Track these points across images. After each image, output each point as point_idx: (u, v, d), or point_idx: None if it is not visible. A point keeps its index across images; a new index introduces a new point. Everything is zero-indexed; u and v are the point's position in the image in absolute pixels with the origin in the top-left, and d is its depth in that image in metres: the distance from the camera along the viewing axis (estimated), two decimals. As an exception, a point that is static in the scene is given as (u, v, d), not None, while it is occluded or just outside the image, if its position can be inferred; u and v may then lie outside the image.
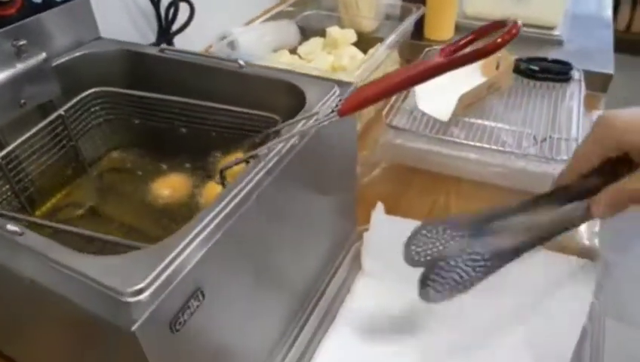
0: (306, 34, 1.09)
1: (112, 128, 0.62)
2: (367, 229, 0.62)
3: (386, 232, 0.60)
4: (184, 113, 0.57)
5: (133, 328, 0.29)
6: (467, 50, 0.36)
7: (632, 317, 1.36)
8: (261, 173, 0.40)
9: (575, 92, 0.87)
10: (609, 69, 0.98)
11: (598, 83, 0.96)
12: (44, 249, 0.34)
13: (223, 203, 0.37)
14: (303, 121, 0.43)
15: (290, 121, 0.44)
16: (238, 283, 0.40)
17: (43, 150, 0.57)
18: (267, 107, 0.53)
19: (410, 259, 0.50)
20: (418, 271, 0.52)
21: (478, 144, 0.75)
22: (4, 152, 0.54)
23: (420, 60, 0.39)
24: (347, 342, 0.55)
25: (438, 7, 1.06)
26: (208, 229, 0.35)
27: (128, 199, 0.58)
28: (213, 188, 0.53)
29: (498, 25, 0.37)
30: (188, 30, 0.89)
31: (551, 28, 1.09)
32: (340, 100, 0.39)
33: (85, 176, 0.62)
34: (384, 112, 0.81)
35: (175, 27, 0.89)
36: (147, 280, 0.31)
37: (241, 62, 0.54)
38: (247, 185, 0.38)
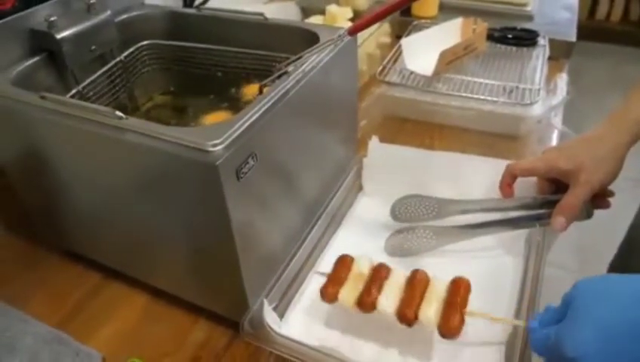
0: (307, 13, 1.24)
1: (159, 74, 0.76)
2: (366, 155, 0.76)
3: (382, 157, 0.75)
4: (219, 60, 0.72)
5: (217, 163, 0.44)
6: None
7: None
8: (290, 84, 0.54)
9: (540, 54, 1.02)
10: (571, 37, 1.13)
11: (562, 49, 1.12)
12: (146, 125, 0.48)
13: (266, 99, 0.51)
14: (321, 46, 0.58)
15: (310, 48, 0.58)
16: (275, 166, 0.55)
17: (105, 90, 0.71)
18: (288, 50, 0.67)
19: (394, 216, 0.69)
20: (407, 189, 0.69)
21: (457, 93, 0.90)
22: (78, 88, 0.68)
23: None
24: (350, 239, 0.70)
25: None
26: (258, 114, 0.49)
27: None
28: (252, 88, 0.67)
29: None
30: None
31: (523, 5, 1.24)
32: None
33: (138, 113, 0.76)
34: (377, 72, 0.96)
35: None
36: (220, 139, 0.45)
37: (266, 15, 0.68)
38: (280, 91, 0.53)
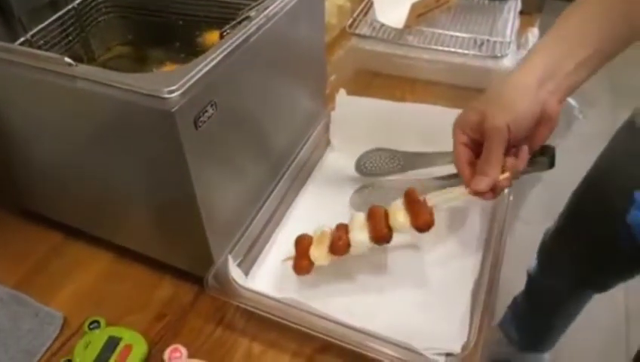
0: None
1: (117, 23, 0.72)
2: (333, 109, 0.75)
3: (350, 111, 0.73)
4: (179, 7, 0.68)
5: (173, 110, 0.41)
6: None
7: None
8: (251, 30, 0.52)
9: (512, 8, 1.01)
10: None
11: (534, 3, 1.10)
12: (98, 72, 0.45)
13: (226, 44, 0.49)
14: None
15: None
16: (237, 117, 0.53)
17: (58, 39, 0.67)
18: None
19: (360, 170, 0.68)
20: (375, 143, 0.68)
21: (428, 46, 0.88)
22: (27, 36, 0.64)
23: None
24: (316, 195, 0.69)
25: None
26: (216, 60, 0.47)
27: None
28: (214, 35, 0.64)
29: None
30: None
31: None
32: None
33: (95, 64, 0.72)
34: (347, 24, 0.94)
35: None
36: (177, 85, 0.43)
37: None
38: (241, 37, 0.50)
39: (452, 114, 0.71)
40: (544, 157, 0.61)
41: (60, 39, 0.67)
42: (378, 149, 0.68)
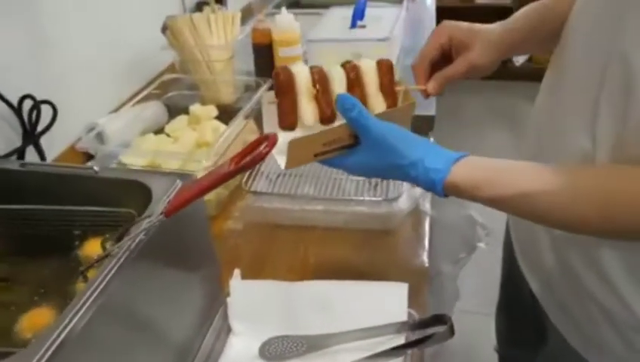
0: (172, 112, 1.19)
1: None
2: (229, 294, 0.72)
3: (246, 296, 0.70)
4: (49, 219, 0.65)
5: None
6: (247, 158, 0.49)
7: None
8: (113, 270, 0.49)
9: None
10: (431, 112, 1.18)
11: (424, 125, 1.15)
12: None
13: (83, 299, 0.45)
14: (144, 222, 0.53)
15: (131, 223, 0.53)
16: (125, 326, 0.49)
17: None
18: (123, 204, 0.62)
19: (264, 357, 0.67)
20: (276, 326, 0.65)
21: (322, 196, 0.89)
22: None
23: (219, 168, 0.51)
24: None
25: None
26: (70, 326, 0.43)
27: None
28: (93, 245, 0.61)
29: (262, 138, 0.50)
30: (55, 126, 0.96)
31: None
32: (169, 202, 0.50)
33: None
34: (244, 180, 0.93)
35: (41, 126, 0.95)
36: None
37: (96, 168, 0.63)
38: (100, 284, 0.48)
39: (351, 286, 0.71)
40: (444, 326, 0.61)
41: None
42: (281, 337, 0.66)
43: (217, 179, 0.49)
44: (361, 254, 0.87)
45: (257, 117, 1.14)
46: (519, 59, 3.25)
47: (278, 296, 0.69)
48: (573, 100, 0.61)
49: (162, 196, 0.58)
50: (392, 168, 0.57)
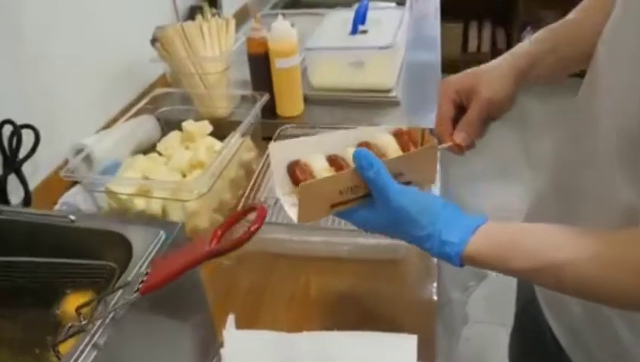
0: (165, 128, 1.13)
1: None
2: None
3: (240, 347, 0.65)
4: (25, 271, 0.59)
5: None
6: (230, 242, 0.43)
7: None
8: (89, 347, 0.43)
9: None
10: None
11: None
12: None
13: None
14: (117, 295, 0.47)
15: (106, 292, 0.48)
16: None
17: None
18: (103, 255, 0.56)
19: None
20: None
21: (325, 226, 0.83)
22: None
23: (200, 243, 0.45)
24: None
25: (285, 88, 1.15)
26: None
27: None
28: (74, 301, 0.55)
29: (250, 208, 0.45)
30: (39, 149, 0.90)
31: (387, 91, 1.21)
32: (146, 276, 0.44)
33: None
34: (240, 206, 0.87)
35: (23, 152, 0.89)
36: None
37: (72, 218, 0.57)
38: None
39: (349, 337, 0.65)
40: None
41: None
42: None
43: (195, 260, 0.44)
44: (366, 286, 0.81)
45: (254, 134, 1.08)
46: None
47: (275, 348, 0.63)
48: (611, 142, 0.53)
49: (144, 252, 0.52)
50: (407, 236, 0.54)
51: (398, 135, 0.59)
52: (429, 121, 1.09)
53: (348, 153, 0.55)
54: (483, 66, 0.66)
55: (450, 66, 1.27)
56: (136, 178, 0.89)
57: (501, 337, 1.06)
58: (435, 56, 1.42)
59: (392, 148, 0.58)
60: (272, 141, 1.06)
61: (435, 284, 0.81)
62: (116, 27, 1.17)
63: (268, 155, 0.91)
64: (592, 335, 0.61)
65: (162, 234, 0.54)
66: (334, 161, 0.56)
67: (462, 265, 0.51)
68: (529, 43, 0.66)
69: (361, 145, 0.57)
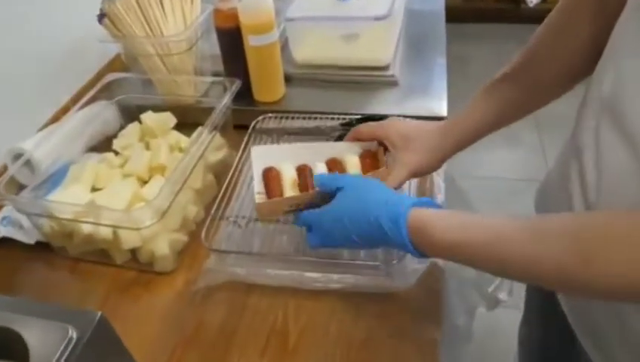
0: (126, 116, 0.97)
1: None
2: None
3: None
4: None
5: None
6: None
7: None
8: None
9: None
10: (442, 112, 0.95)
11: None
12: None
13: None
14: None
15: None
16: None
17: None
18: None
19: None
20: None
21: (309, 259, 0.69)
22: None
23: None
24: None
25: (261, 70, 0.97)
26: None
27: None
28: None
29: None
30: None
31: (384, 68, 1.03)
32: None
33: None
34: (204, 231, 0.73)
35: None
36: None
37: None
38: None
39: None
40: None
41: None
42: None
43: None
44: (358, 323, 0.68)
45: (224, 127, 0.92)
46: (533, 0, 2.90)
47: None
48: None
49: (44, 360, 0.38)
50: (361, 211, 0.56)
51: (363, 157, 0.72)
52: (432, 107, 0.94)
53: (317, 167, 0.70)
54: (417, 132, 0.68)
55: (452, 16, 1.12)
56: (75, 203, 0.74)
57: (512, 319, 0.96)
58: (439, 5, 1.24)
59: (354, 168, 0.70)
60: (248, 133, 0.90)
61: (439, 330, 0.68)
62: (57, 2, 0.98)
63: (244, 155, 0.84)
64: (608, 325, 0.55)
65: (73, 334, 0.40)
66: (302, 172, 0.71)
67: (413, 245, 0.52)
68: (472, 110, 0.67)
69: (329, 161, 0.71)
